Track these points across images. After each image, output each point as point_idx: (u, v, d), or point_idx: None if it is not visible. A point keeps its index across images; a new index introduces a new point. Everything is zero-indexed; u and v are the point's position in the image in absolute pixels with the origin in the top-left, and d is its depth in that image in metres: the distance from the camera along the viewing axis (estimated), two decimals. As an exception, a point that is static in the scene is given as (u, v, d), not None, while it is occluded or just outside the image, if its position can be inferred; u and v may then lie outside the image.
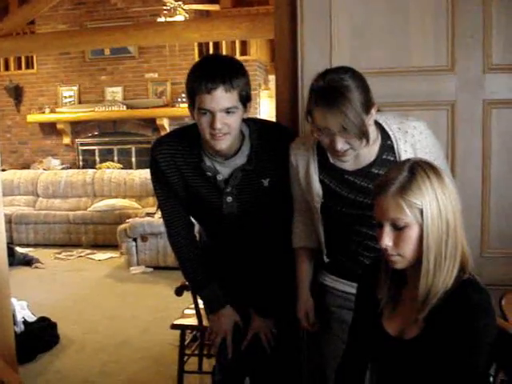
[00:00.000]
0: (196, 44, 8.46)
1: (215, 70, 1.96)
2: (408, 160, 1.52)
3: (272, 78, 8.23)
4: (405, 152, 1.93)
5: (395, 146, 1.94)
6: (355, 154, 1.90)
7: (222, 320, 2.34)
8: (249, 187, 2.16)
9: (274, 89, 2.77)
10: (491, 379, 1.60)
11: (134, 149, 8.98)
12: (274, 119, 2.75)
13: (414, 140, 1.95)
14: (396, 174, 1.46)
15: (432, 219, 1.42)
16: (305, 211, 2.14)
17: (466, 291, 1.44)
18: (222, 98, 1.94)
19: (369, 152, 1.94)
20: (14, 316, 3.86)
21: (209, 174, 2.14)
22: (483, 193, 2.53)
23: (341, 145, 1.82)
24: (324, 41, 2.49)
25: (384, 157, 1.95)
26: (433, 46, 2.47)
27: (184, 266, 2.35)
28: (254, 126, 2.16)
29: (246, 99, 2.03)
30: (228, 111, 1.97)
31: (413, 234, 1.44)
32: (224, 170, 2.14)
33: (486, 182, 2.52)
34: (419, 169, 1.45)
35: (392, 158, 1.94)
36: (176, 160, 2.16)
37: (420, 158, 1.54)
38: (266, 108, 8.81)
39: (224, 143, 2.02)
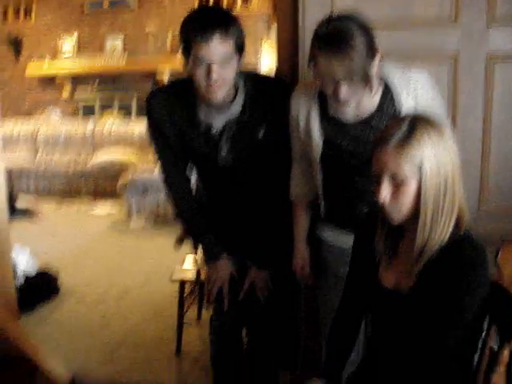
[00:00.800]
0: (197, -4, 8.33)
1: (211, 18, 1.93)
2: (409, 114, 1.51)
3: (274, 27, 8.10)
4: (406, 103, 1.91)
5: (396, 98, 1.92)
6: (356, 105, 1.88)
7: (219, 269, 2.37)
8: (243, 139, 2.15)
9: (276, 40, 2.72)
10: (483, 333, 1.62)
11: (134, 101, 8.90)
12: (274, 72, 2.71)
13: (416, 92, 1.93)
14: (396, 128, 1.45)
15: (430, 174, 1.42)
16: (303, 163, 2.13)
17: (460, 247, 1.45)
18: (217, 46, 1.91)
19: (370, 103, 1.92)
20: (14, 267, 3.89)
21: (203, 125, 2.13)
22: (484, 147, 2.52)
23: (344, 91, 1.79)
24: (326, -9, 2.44)
25: (385, 108, 1.93)
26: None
27: (181, 216, 2.37)
28: (249, 77, 2.14)
29: (240, 49, 2.00)
30: (224, 61, 1.94)
31: (410, 188, 1.44)
32: (218, 122, 2.13)
33: (486, 136, 2.51)
34: (419, 124, 1.44)
35: (393, 110, 1.92)
36: (170, 112, 2.15)
37: (421, 113, 1.53)
38: (267, 60, 8.71)
39: (219, 94, 2.01)
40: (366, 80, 1.79)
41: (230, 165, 2.19)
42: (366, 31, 1.79)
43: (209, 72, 1.94)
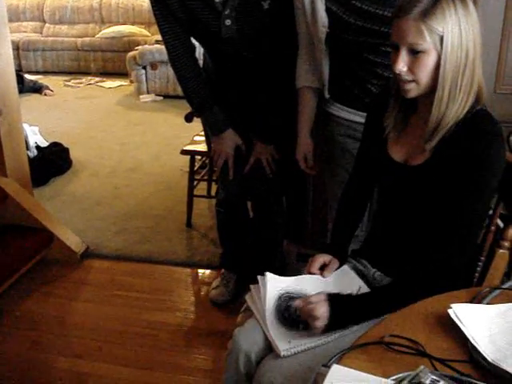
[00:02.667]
0: None
1: None
2: None
3: None
4: None
5: None
6: None
7: (224, 142, 2.39)
8: (248, 9, 2.09)
9: None
10: (490, 212, 1.64)
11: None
12: None
13: None
14: None
15: (452, 47, 1.37)
16: (310, 48, 2.06)
17: (478, 121, 1.42)
18: None
19: None
20: (26, 141, 3.92)
21: None
22: (504, 27, 2.44)
23: None
24: None
25: None
26: None
27: (186, 86, 2.35)
28: None
29: None
30: None
31: (429, 60, 1.39)
32: None
33: (508, 16, 2.42)
34: None
35: None
36: None
37: None
38: None
39: None
40: None
41: (235, 36, 2.14)
42: None
43: None
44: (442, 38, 1.36)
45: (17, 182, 3.18)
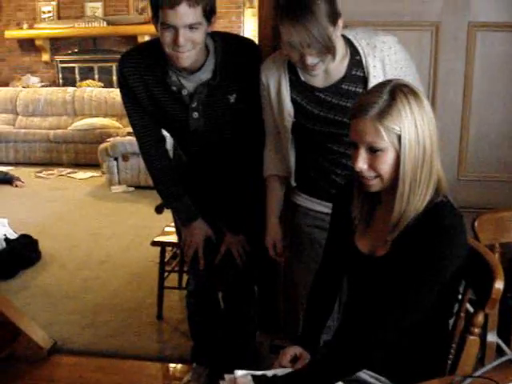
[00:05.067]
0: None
1: None
2: (388, 82, 1.48)
3: (256, -4, 8.00)
4: (374, 67, 1.91)
5: (364, 61, 1.92)
6: (325, 69, 1.88)
7: (193, 232, 2.40)
8: (215, 103, 2.14)
9: (257, 7, 2.71)
10: (459, 297, 1.65)
11: (114, 67, 8.77)
12: (256, 38, 2.69)
13: (383, 55, 1.92)
14: (375, 97, 1.43)
15: (409, 145, 1.41)
16: (276, 138, 2.12)
17: (437, 213, 1.46)
18: (185, 13, 1.87)
19: (338, 68, 1.92)
20: (-5, 232, 3.88)
21: (174, 88, 2.11)
22: (463, 116, 2.54)
23: (310, 59, 1.79)
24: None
25: (353, 72, 1.93)
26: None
27: (156, 179, 2.38)
28: (220, 40, 2.11)
29: (210, 14, 1.96)
30: (191, 27, 1.91)
31: (388, 158, 1.44)
32: (189, 85, 2.11)
33: (466, 105, 2.53)
34: (400, 93, 1.42)
35: (361, 74, 1.93)
36: (142, 73, 2.13)
37: (400, 81, 1.50)
38: (250, 26, 8.62)
39: (187, 59, 1.98)
40: (330, 46, 1.78)
41: (202, 129, 2.19)
42: None
43: (175, 37, 1.91)
44: (399, 137, 1.41)
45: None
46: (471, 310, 1.63)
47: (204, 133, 2.21)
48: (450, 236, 1.41)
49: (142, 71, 2.13)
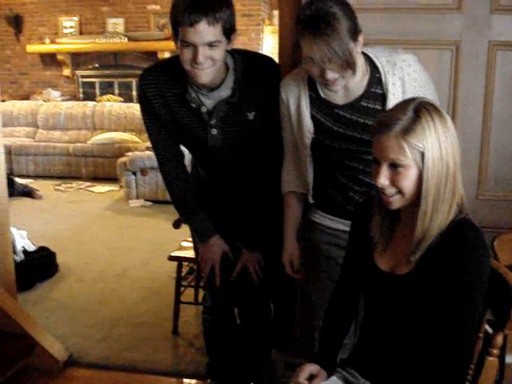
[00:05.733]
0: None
1: (198, 1, 1.90)
2: (413, 100, 1.48)
3: (276, 13, 8.06)
4: (393, 85, 1.91)
5: (383, 79, 1.92)
6: (345, 86, 1.88)
7: (210, 249, 2.39)
8: (234, 120, 2.15)
9: (278, 24, 2.72)
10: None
11: (134, 82, 8.86)
12: (276, 56, 2.70)
13: (403, 73, 1.92)
14: (400, 114, 1.44)
15: (433, 163, 1.41)
16: (295, 154, 2.13)
17: (460, 230, 1.45)
18: (204, 31, 1.89)
19: (358, 85, 1.92)
20: (13, 245, 3.91)
21: (193, 105, 2.13)
22: (483, 135, 2.53)
23: (330, 74, 1.79)
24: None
25: (372, 89, 1.93)
26: (440, -17, 2.42)
27: (173, 194, 2.37)
28: (240, 57, 2.12)
29: (230, 31, 1.98)
30: (211, 45, 1.92)
31: (411, 174, 1.43)
32: (208, 102, 2.13)
33: (486, 124, 2.51)
34: (424, 110, 1.43)
35: (380, 91, 1.93)
36: (162, 90, 2.15)
37: (425, 99, 1.50)
38: (269, 44, 8.67)
39: (206, 76, 2.00)
40: (351, 61, 1.78)
41: (221, 145, 2.20)
42: (349, 13, 1.77)
43: (195, 55, 1.93)
44: (422, 154, 1.41)
45: (1, 287, 3.14)
46: (490, 330, 1.61)
47: (222, 149, 2.22)
48: (477, 252, 1.41)
49: (162, 87, 2.15)
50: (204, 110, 2.13)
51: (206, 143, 2.20)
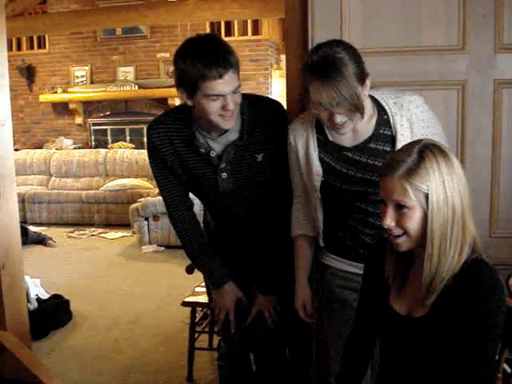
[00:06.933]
0: (208, 23, 8.45)
1: (218, 53, 1.93)
2: (418, 142, 1.49)
3: (284, 57, 8.18)
4: (401, 126, 1.93)
5: (391, 120, 1.94)
6: (353, 128, 1.90)
7: (224, 296, 2.39)
8: (243, 162, 2.18)
9: (285, 68, 2.76)
10: (496, 357, 1.61)
11: (145, 128, 8.94)
12: (284, 99, 2.74)
13: (411, 114, 1.94)
14: (405, 156, 1.45)
15: (437, 204, 1.41)
16: (304, 197, 2.14)
17: (474, 271, 1.44)
18: (231, 79, 1.94)
19: (366, 127, 1.94)
20: (27, 293, 3.91)
21: (202, 150, 2.15)
22: (493, 173, 2.53)
23: (338, 118, 1.82)
24: (335, 19, 2.47)
25: (381, 131, 1.95)
26: (444, 25, 2.45)
27: (185, 244, 2.38)
28: (245, 101, 2.14)
29: (239, 73, 2.02)
30: (236, 90, 1.98)
31: (416, 216, 1.44)
32: (217, 147, 2.15)
33: (495, 163, 2.51)
34: (429, 152, 1.43)
35: (389, 133, 1.95)
36: (171, 138, 2.18)
37: (430, 141, 1.50)
38: (277, 88, 8.78)
39: (233, 121, 2.05)
40: (359, 105, 1.81)
41: (231, 188, 2.22)
42: (355, 57, 1.81)
43: (225, 104, 1.97)
44: (427, 196, 1.41)
45: (16, 336, 3.13)
46: (509, 370, 1.59)
47: (233, 193, 2.23)
48: (491, 293, 1.39)
49: (171, 135, 2.18)
50: (213, 154, 2.16)
51: (217, 188, 2.22)
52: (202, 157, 2.18)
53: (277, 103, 2.29)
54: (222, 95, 1.96)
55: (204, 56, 1.92)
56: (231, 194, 2.24)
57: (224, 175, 2.19)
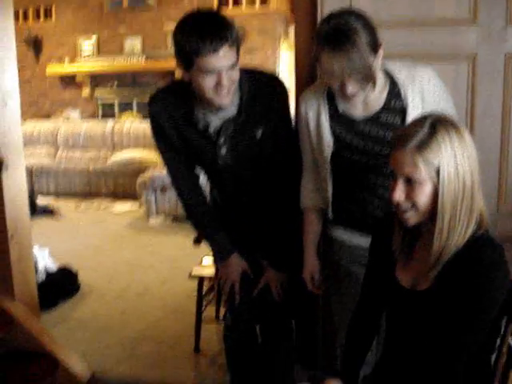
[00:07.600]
0: (215, -6, 8.36)
1: (214, 27, 1.90)
2: (431, 115, 1.48)
3: (292, 28, 8.09)
4: (412, 98, 1.92)
5: (403, 93, 1.93)
6: (364, 100, 1.89)
7: (230, 267, 2.40)
8: (242, 138, 2.16)
9: (294, 39, 2.73)
10: (502, 332, 1.62)
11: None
12: (293, 71, 2.71)
13: (422, 86, 1.93)
14: (417, 128, 1.44)
15: (448, 179, 1.41)
16: (313, 169, 2.13)
17: (478, 247, 1.44)
18: (226, 55, 1.90)
19: (377, 99, 1.93)
20: (35, 265, 3.94)
21: (200, 125, 2.14)
22: (502, 147, 2.51)
23: (350, 87, 1.81)
24: (344, -10, 2.44)
25: (392, 103, 1.94)
26: (455, -4, 2.42)
27: (191, 216, 2.39)
28: (245, 76, 2.12)
29: (239, 49, 1.99)
30: (232, 66, 1.94)
31: (426, 190, 1.43)
32: (215, 122, 2.14)
33: (505, 137, 2.49)
34: (441, 126, 1.42)
35: (400, 105, 1.93)
36: (170, 112, 2.17)
37: (443, 115, 1.50)
38: (286, 60, 8.70)
39: (229, 98, 2.02)
40: (370, 74, 1.79)
41: (231, 164, 2.21)
42: (368, 26, 1.79)
43: (220, 80, 1.94)
44: (438, 170, 1.40)
45: (24, 306, 3.16)
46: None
47: (234, 168, 2.23)
48: (492, 273, 1.40)
49: (170, 110, 2.17)
50: (212, 129, 2.15)
51: (216, 162, 2.21)
52: (200, 132, 2.17)
53: (275, 77, 2.26)
54: (217, 71, 1.93)
55: (199, 30, 1.89)
56: (232, 168, 2.23)
57: (223, 150, 2.18)
